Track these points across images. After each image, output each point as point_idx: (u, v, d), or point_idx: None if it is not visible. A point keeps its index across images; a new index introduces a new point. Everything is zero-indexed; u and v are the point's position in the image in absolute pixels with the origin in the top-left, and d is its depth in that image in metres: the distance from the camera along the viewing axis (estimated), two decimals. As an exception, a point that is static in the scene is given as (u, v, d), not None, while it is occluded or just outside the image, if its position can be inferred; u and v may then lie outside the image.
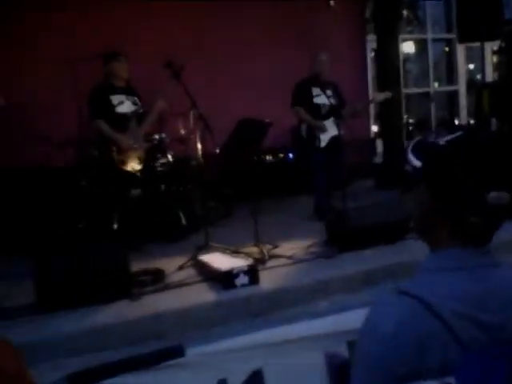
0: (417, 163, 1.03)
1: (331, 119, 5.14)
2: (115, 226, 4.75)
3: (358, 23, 7.66)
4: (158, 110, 4.49)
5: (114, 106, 4.41)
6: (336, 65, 5.44)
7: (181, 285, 3.40)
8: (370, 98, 7.27)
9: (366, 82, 7.93)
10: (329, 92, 5.21)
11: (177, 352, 1.30)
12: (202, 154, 4.56)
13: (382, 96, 5.49)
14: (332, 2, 7.00)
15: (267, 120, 4.04)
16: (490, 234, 0.99)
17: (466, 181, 0.95)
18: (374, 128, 8.23)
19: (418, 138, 1.07)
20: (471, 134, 1.04)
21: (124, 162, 4.35)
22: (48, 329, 2.90)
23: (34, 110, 5.53)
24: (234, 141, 3.94)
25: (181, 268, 3.69)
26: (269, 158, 6.45)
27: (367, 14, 7.97)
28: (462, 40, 5.74)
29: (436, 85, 10.18)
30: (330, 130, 5.14)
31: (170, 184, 4.78)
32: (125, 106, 4.47)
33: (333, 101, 5.19)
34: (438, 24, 10.78)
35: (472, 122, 5.88)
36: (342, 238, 3.85)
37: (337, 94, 5.32)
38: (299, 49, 6.43)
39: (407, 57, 10.38)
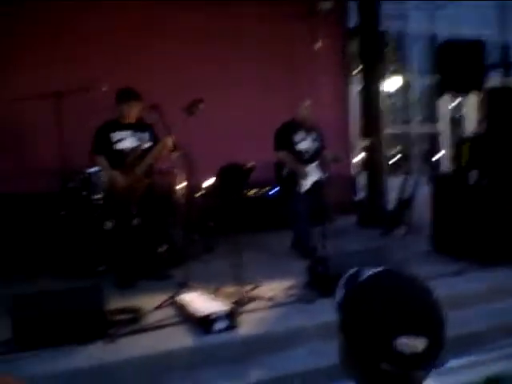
0: (339, 297, 0.94)
1: (314, 163, 5.17)
2: (93, 259, 4.69)
3: (340, 67, 7.79)
4: (164, 148, 4.41)
5: (112, 144, 4.46)
6: (318, 109, 5.48)
7: (157, 327, 3.32)
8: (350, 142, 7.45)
9: (347, 126, 8.00)
10: (313, 136, 5.25)
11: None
12: (185, 187, 4.54)
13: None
14: (318, 44, 7.15)
15: (249, 164, 4.11)
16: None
17: (372, 325, 0.87)
18: (357, 160, 8.17)
19: (352, 270, 0.97)
20: (390, 274, 0.94)
21: (121, 195, 4.36)
22: (21, 370, 2.79)
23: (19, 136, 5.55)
24: (217, 187, 4.01)
25: (158, 308, 3.61)
26: (252, 192, 6.44)
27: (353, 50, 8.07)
28: (443, 89, 5.51)
29: (417, 120, 10.36)
30: (313, 175, 5.16)
31: (151, 216, 4.70)
32: (126, 142, 4.49)
33: (317, 145, 5.23)
34: (423, 65, 11.04)
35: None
36: (323, 282, 3.81)
37: (320, 138, 5.37)
38: (285, 91, 6.49)
39: (391, 94, 10.58)
